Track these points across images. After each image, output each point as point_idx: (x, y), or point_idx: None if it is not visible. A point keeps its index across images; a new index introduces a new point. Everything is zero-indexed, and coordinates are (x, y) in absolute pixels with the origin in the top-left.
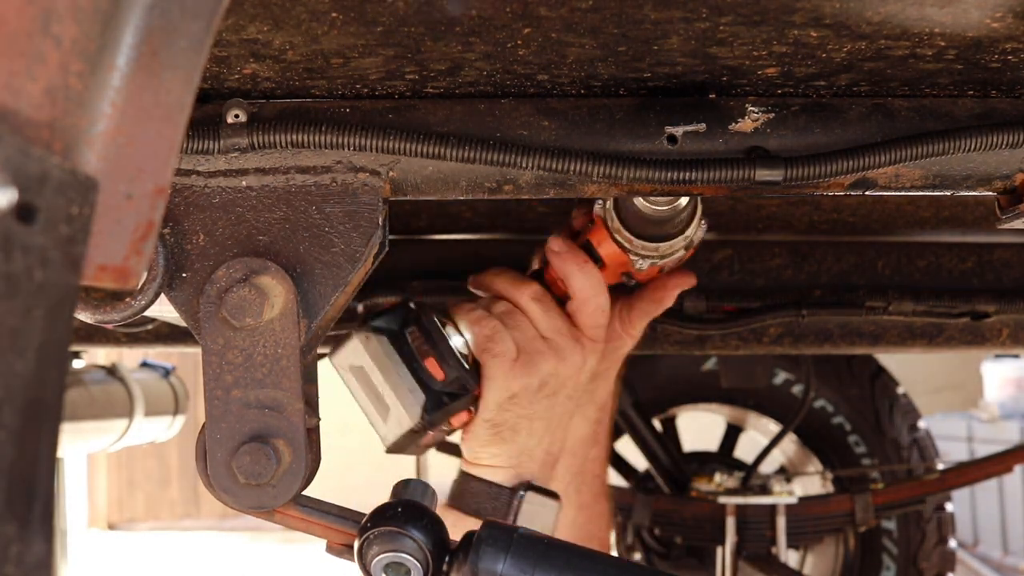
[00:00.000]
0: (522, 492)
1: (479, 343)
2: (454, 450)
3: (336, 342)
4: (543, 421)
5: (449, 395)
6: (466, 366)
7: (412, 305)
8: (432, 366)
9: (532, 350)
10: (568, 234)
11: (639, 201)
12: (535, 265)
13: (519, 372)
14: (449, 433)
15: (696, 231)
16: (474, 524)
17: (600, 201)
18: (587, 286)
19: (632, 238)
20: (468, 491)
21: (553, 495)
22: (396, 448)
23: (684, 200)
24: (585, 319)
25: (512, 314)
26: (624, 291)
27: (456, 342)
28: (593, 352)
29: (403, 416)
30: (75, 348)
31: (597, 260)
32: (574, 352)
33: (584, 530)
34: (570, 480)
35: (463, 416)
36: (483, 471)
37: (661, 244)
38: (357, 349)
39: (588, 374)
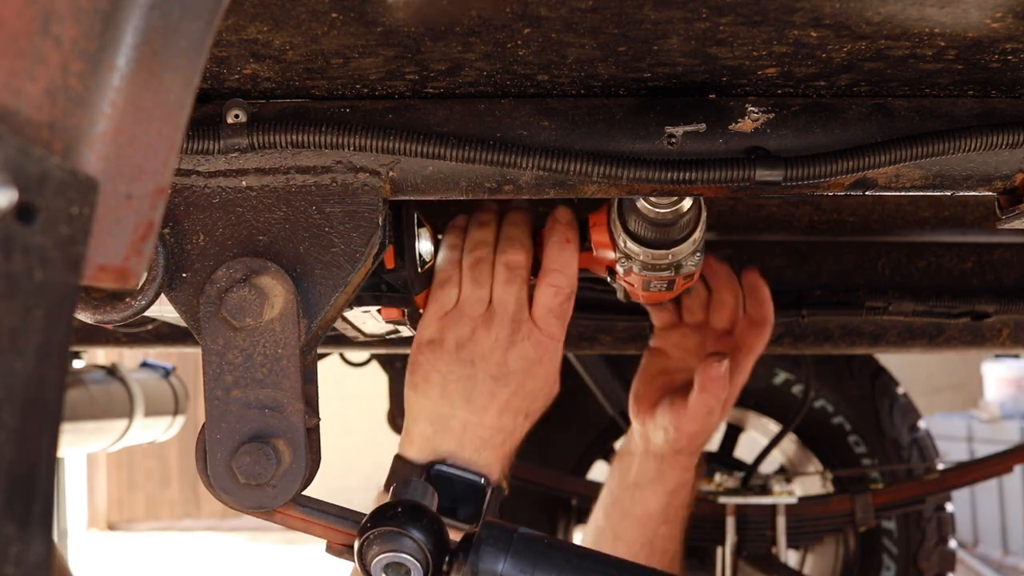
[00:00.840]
0: (432, 468)
1: (437, 273)
2: None
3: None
4: (458, 387)
5: (388, 285)
6: (418, 270)
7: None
8: (388, 255)
9: (468, 308)
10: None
11: (641, 203)
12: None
13: (448, 322)
14: (384, 324)
15: (687, 256)
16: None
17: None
18: (557, 259)
19: (623, 233)
20: (392, 470)
21: (470, 480)
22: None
23: (685, 205)
24: (538, 295)
25: (480, 265)
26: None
27: (423, 246)
28: (529, 339)
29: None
30: (75, 348)
31: (586, 240)
32: (501, 327)
33: None
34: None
35: (393, 313)
36: (405, 445)
37: (646, 250)
38: None
39: (520, 362)
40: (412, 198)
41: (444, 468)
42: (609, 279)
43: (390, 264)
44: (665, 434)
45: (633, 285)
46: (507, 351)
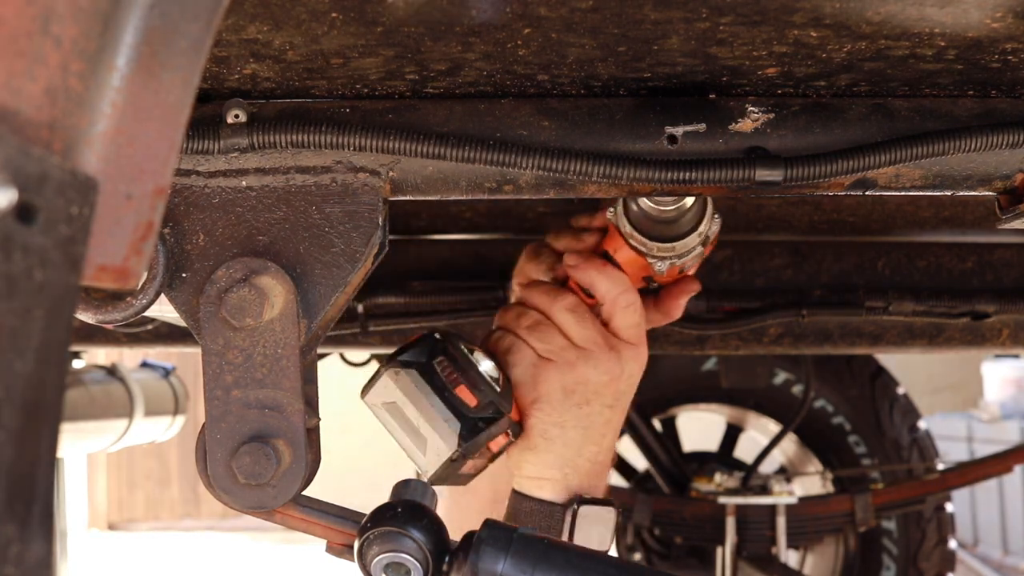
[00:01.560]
0: (575, 506)
1: (502, 358)
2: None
3: (367, 381)
4: (578, 430)
5: (484, 420)
6: (497, 389)
7: (437, 336)
8: (464, 393)
9: (560, 358)
10: (575, 243)
11: (644, 203)
12: (546, 276)
13: (543, 376)
14: (491, 459)
15: (710, 226)
16: None
17: (611, 209)
18: (613, 286)
19: (647, 241)
20: (521, 511)
21: (608, 503)
22: (438, 479)
23: (689, 200)
24: (619, 320)
25: (541, 325)
26: (649, 295)
27: (485, 367)
28: (633, 358)
29: (440, 446)
30: (75, 348)
31: (616, 268)
32: (609, 360)
33: None
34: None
35: (501, 440)
36: (530, 486)
37: (676, 243)
38: (388, 385)
39: (628, 381)
40: (412, 198)
41: (587, 503)
42: (648, 284)
43: (472, 402)
44: None
45: (670, 277)
46: (619, 379)
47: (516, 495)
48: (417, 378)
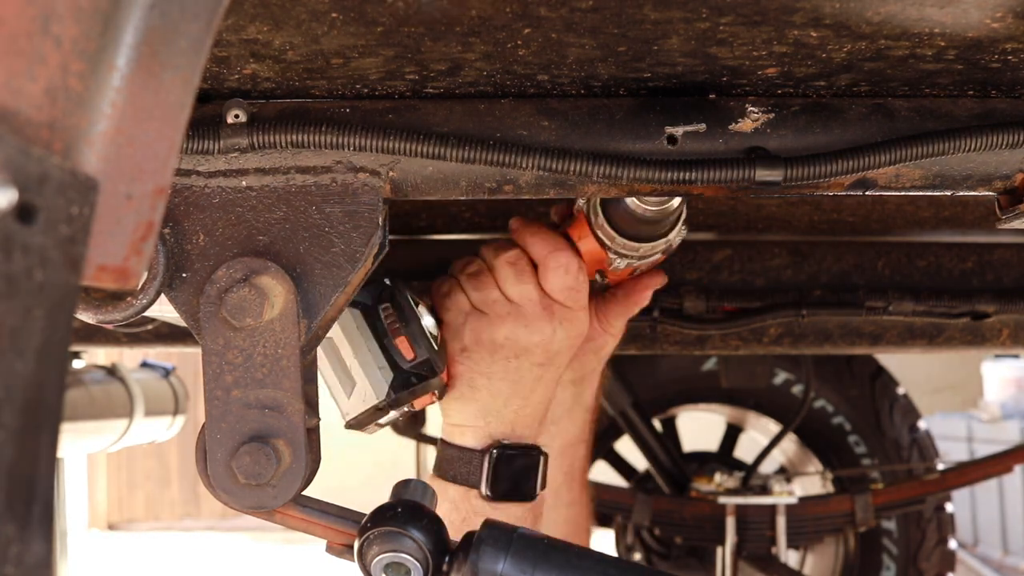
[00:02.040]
0: (493, 452)
1: (437, 301)
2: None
3: None
4: (506, 382)
5: (417, 376)
6: (435, 347)
7: (387, 281)
8: (403, 345)
9: (491, 311)
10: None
11: (631, 200)
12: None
13: (472, 326)
14: (407, 417)
15: (677, 236)
16: (454, 491)
17: (582, 201)
18: (545, 246)
19: (615, 235)
20: (444, 458)
21: (532, 449)
22: (356, 424)
23: (675, 202)
24: (551, 281)
25: (479, 275)
26: (596, 290)
27: (427, 322)
28: (567, 320)
29: (368, 392)
30: (75, 348)
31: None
32: (539, 319)
33: (574, 523)
34: (562, 480)
35: (426, 399)
36: (454, 434)
37: (643, 245)
38: None
39: (561, 343)
40: (412, 198)
41: (505, 450)
42: (599, 278)
43: (409, 355)
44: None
45: (621, 276)
46: (551, 341)
47: (442, 441)
48: (360, 319)
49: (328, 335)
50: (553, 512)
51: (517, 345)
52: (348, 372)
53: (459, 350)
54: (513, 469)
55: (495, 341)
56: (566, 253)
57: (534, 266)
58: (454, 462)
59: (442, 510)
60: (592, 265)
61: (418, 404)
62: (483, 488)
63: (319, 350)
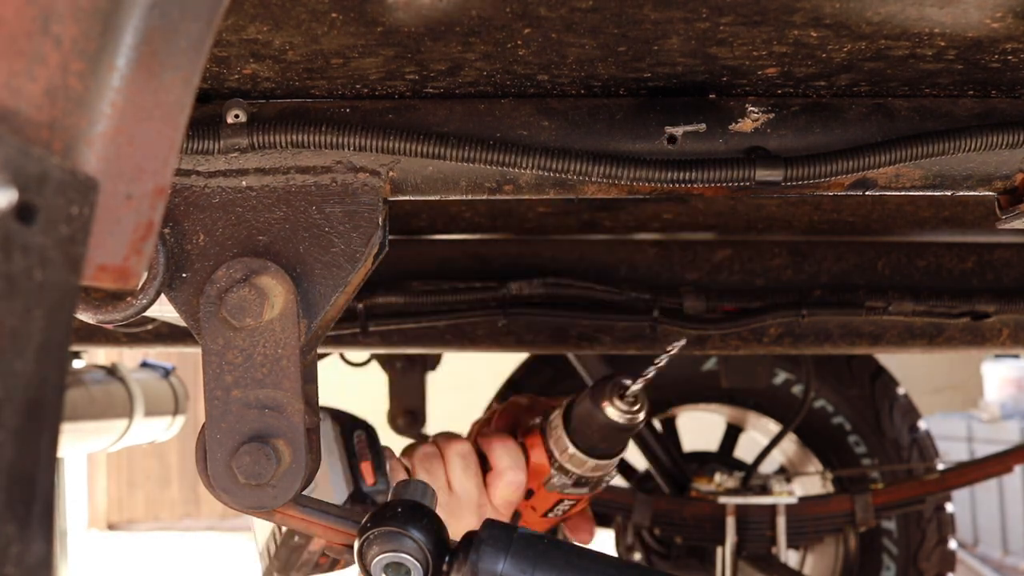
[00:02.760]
0: None
1: (392, 474)
2: None
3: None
4: None
5: (372, 501)
6: (391, 487)
7: (365, 421)
8: (367, 469)
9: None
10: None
11: (611, 410)
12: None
13: None
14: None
15: (610, 473)
16: None
17: (549, 415)
18: (507, 458)
19: (569, 445)
20: None
21: None
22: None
23: (641, 416)
24: (500, 491)
25: (432, 458)
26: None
27: (387, 468)
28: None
29: (327, 494)
30: (75, 348)
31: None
32: (470, 517)
33: None
34: None
35: None
36: None
37: (591, 460)
38: None
39: None
40: (412, 198)
41: None
42: (523, 499)
43: (370, 480)
44: None
45: (536, 509)
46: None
47: None
48: (337, 432)
49: None
50: None
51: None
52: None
53: None
54: None
55: None
56: (523, 474)
57: (482, 465)
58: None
59: None
60: (529, 480)
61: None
62: None
63: None
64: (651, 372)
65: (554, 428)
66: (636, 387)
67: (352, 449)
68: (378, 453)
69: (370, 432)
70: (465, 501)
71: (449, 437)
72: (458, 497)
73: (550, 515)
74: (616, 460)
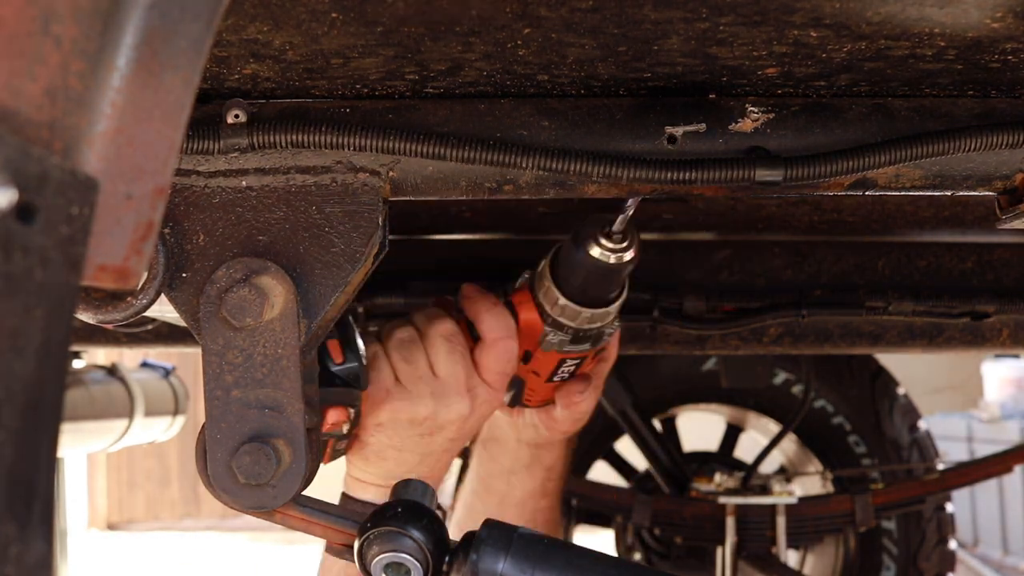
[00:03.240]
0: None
1: (368, 361)
2: None
3: None
4: (415, 454)
5: (342, 380)
6: (363, 363)
7: None
8: (334, 347)
9: (414, 389)
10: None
11: (597, 250)
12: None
13: (392, 403)
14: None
15: (611, 324)
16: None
17: (531, 271)
18: (497, 326)
19: (560, 296)
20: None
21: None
22: None
23: (629, 255)
24: (491, 361)
25: (410, 344)
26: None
27: (361, 344)
28: (487, 401)
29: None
30: (75, 348)
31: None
32: (461, 401)
33: None
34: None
35: (340, 413)
36: (355, 488)
37: (585, 310)
38: None
39: (477, 420)
40: (412, 198)
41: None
42: (512, 384)
43: (338, 359)
44: (536, 431)
45: (539, 374)
46: (468, 419)
47: (343, 495)
48: None
49: None
50: None
51: (435, 423)
52: None
53: (374, 424)
54: None
55: (414, 419)
56: (514, 342)
57: (468, 338)
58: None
59: (338, 566)
60: (524, 341)
61: (331, 416)
62: None
63: None
64: (631, 205)
65: (541, 280)
66: (619, 222)
67: None
68: (346, 327)
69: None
70: (453, 385)
71: (429, 315)
72: (444, 382)
73: (555, 379)
74: (614, 308)
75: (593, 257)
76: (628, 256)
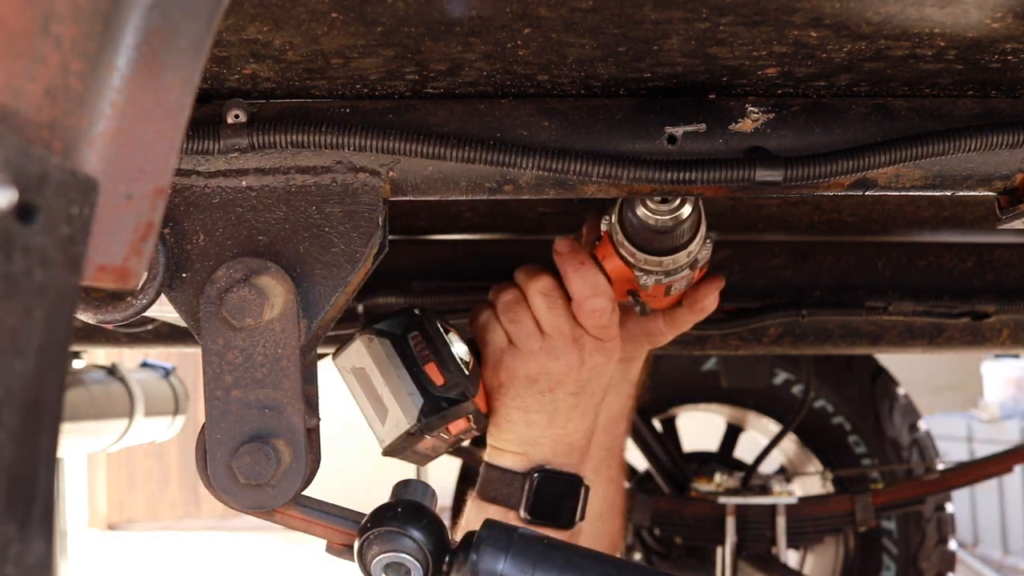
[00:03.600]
0: (534, 475)
1: (476, 332)
2: (457, 451)
3: (340, 343)
4: (541, 414)
5: (448, 400)
6: (466, 373)
7: (417, 311)
8: (432, 371)
9: (524, 346)
10: (577, 241)
11: (641, 211)
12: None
13: (507, 363)
14: (450, 442)
15: (700, 249)
16: (494, 511)
17: (607, 217)
18: (583, 286)
19: (636, 251)
20: (486, 479)
21: (572, 477)
22: (392, 451)
23: (686, 210)
24: (585, 319)
25: (515, 304)
26: (633, 311)
27: (458, 349)
28: (597, 351)
29: (400, 418)
30: (75, 348)
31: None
32: (569, 352)
33: (610, 501)
34: (603, 456)
35: (461, 424)
36: (495, 456)
37: (665, 258)
38: (360, 351)
39: (592, 371)
40: (412, 198)
41: (546, 475)
42: (632, 300)
43: (439, 380)
44: (647, 337)
45: (655, 296)
46: (580, 369)
47: (485, 464)
48: (389, 348)
49: (360, 365)
50: (592, 488)
51: (550, 378)
52: (380, 400)
53: (496, 386)
54: (553, 494)
55: (529, 376)
56: (603, 298)
57: (567, 295)
58: (496, 483)
59: (492, 509)
60: (621, 285)
61: (453, 428)
62: (522, 510)
63: (354, 381)
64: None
65: (615, 234)
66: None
67: (410, 357)
68: (438, 346)
69: (424, 326)
70: (560, 340)
71: (528, 272)
72: (551, 338)
73: (672, 294)
74: (695, 243)
75: (641, 218)
76: (679, 213)
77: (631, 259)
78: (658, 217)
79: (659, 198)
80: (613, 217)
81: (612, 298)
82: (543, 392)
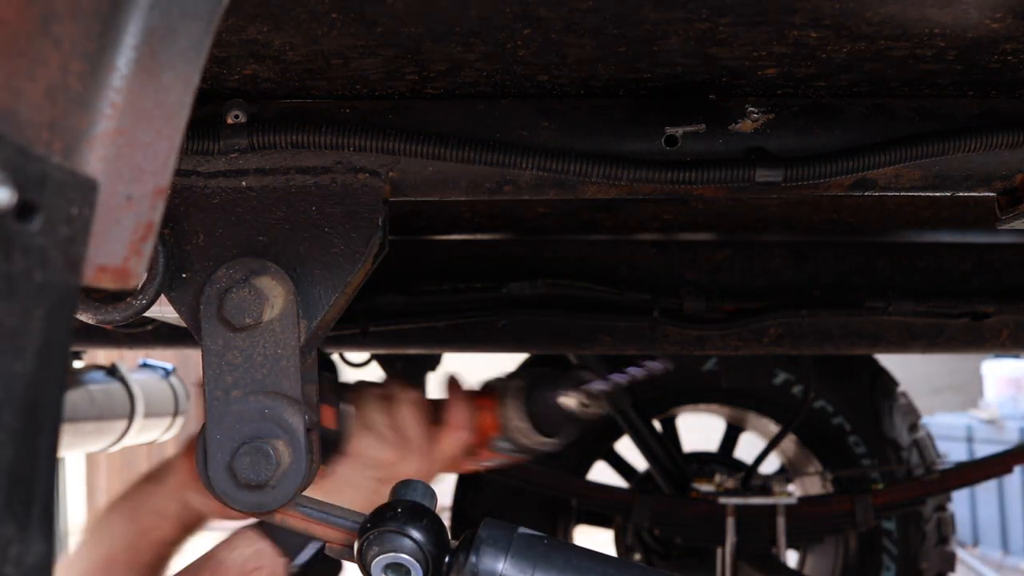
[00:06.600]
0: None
1: (350, 403)
2: None
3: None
4: (366, 494)
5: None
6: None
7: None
8: (328, 416)
9: (380, 435)
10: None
11: (565, 400)
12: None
13: (361, 440)
14: None
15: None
16: (270, 549)
17: (500, 382)
18: (462, 419)
19: (524, 421)
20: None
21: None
22: None
23: (597, 410)
24: (448, 448)
25: (387, 400)
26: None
27: (349, 409)
28: (432, 468)
29: None
30: (75, 348)
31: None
32: (418, 460)
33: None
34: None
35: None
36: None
37: (538, 437)
38: None
39: (429, 472)
40: (412, 198)
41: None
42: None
43: (332, 425)
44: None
45: (471, 459)
46: (420, 473)
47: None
48: None
49: None
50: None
51: (389, 472)
52: None
53: (346, 455)
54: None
55: (373, 461)
56: (467, 436)
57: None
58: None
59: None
60: (476, 438)
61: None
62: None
63: None
64: (621, 380)
65: (513, 399)
66: (601, 387)
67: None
68: (339, 397)
69: (334, 375)
70: (412, 445)
71: (402, 384)
72: (405, 439)
73: (481, 465)
74: (562, 441)
75: (564, 405)
76: (596, 412)
77: (509, 425)
78: (585, 409)
79: (595, 395)
80: (518, 386)
81: (467, 438)
82: (381, 481)
